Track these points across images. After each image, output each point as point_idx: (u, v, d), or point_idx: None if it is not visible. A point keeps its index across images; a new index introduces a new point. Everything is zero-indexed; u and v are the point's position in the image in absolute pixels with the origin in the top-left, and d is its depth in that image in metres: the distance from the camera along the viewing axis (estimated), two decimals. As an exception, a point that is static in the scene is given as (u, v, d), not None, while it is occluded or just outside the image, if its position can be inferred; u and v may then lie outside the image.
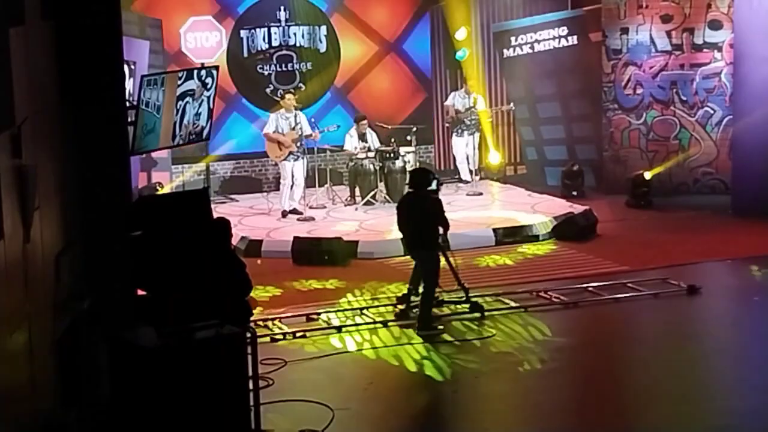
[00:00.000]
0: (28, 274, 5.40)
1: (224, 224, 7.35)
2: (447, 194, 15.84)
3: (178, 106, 10.37)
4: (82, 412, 6.23)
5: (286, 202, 14.49)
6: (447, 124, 16.49)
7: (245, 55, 16.62)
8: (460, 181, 16.55)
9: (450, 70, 17.69)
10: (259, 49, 16.71)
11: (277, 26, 16.75)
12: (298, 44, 16.88)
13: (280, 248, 12.55)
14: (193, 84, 10.52)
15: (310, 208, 14.48)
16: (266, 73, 16.74)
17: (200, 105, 10.74)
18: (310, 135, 14.45)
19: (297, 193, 14.48)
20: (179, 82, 10.37)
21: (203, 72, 10.73)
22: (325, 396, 7.60)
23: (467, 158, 16.31)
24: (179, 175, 16.07)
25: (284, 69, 16.81)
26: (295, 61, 16.87)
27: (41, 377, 5.67)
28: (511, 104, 16.71)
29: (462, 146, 16.28)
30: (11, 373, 5.06)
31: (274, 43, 16.76)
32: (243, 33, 16.58)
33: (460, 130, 16.14)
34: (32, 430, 5.41)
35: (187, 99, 10.63)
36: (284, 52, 16.83)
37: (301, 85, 16.76)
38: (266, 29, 16.69)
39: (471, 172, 16.32)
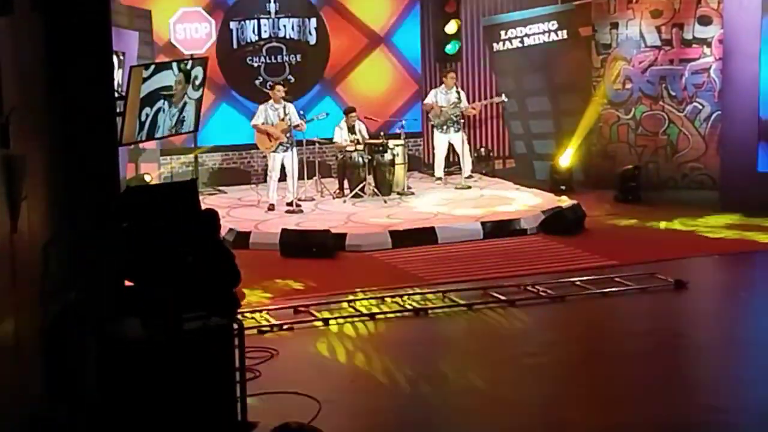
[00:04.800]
0: (15, 265, 5.39)
1: (212, 215, 7.34)
2: (432, 188, 15.93)
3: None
4: (68, 404, 6.22)
5: (273, 195, 14.46)
6: (431, 123, 16.36)
7: (234, 46, 16.60)
8: (433, 176, 16.51)
9: (440, 63, 17.68)
10: (249, 40, 16.68)
11: (267, 18, 16.73)
12: (287, 36, 16.87)
13: (268, 240, 12.55)
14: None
15: (299, 200, 14.47)
16: (256, 65, 16.72)
17: (183, 109, 9.81)
18: (298, 125, 14.43)
19: (291, 184, 14.43)
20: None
21: (189, 63, 10.32)
22: (311, 388, 7.60)
23: (459, 157, 16.22)
24: (167, 167, 16.05)
25: (273, 61, 16.79)
26: (284, 53, 16.85)
27: (28, 369, 5.66)
28: (503, 95, 16.65)
29: (445, 143, 16.20)
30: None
31: (264, 35, 16.74)
32: (232, 25, 16.56)
33: (445, 127, 16.06)
34: (19, 421, 5.41)
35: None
36: (274, 44, 16.81)
37: (290, 77, 16.75)
38: (256, 21, 16.67)
39: (468, 167, 16.28)
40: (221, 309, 6.42)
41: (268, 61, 16.77)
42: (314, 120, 14.76)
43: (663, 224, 13.61)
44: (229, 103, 16.66)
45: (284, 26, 16.83)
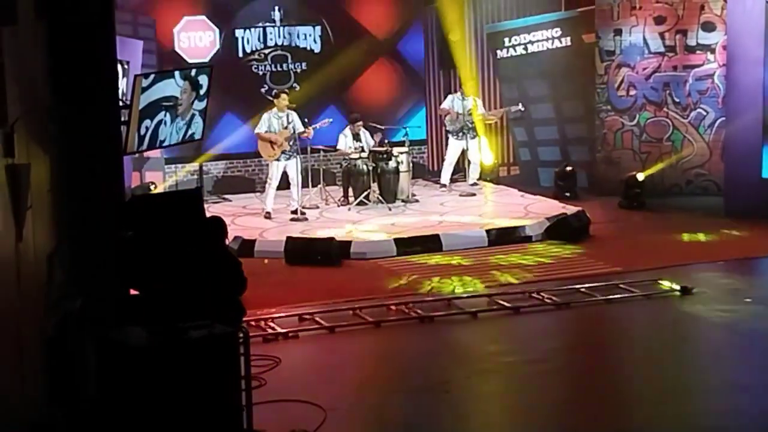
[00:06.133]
0: (20, 273, 5.40)
1: (218, 223, 7.35)
2: (437, 195, 15.93)
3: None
4: (70, 411, 6.22)
5: (270, 203, 14.42)
6: (447, 128, 16.35)
7: (240, 55, 16.62)
8: (438, 183, 16.51)
9: (443, 70, 17.70)
10: (255, 48, 16.70)
11: (273, 26, 16.75)
12: (293, 44, 16.89)
13: (272, 248, 12.55)
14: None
15: (304, 208, 14.47)
16: (261, 73, 16.74)
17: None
18: (304, 132, 14.43)
19: (295, 192, 14.43)
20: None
21: (193, 72, 10.24)
22: (317, 396, 7.59)
23: (469, 163, 16.23)
24: (172, 175, 16.07)
25: (279, 69, 16.82)
26: (289, 61, 16.87)
27: (31, 376, 5.67)
28: (520, 104, 16.64)
29: (458, 150, 16.19)
30: (0, 371, 5.06)
31: (269, 43, 16.76)
32: (238, 33, 16.58)
33: (461, 134, 16.06)
34: (20, 428, 5.41)
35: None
36: (279, 52, 16.84)
37: (295, 85, 16.77)
38: (261, 29, 16.69)
39: (475, 174, 16.30)
40: (227, 317, 6.42)
41: (274, 69, 16.80)
42: (318, 128, 14.74)
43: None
44: (233, 111, 16.68)
45: (289, 34, 16.85)
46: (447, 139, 16.64)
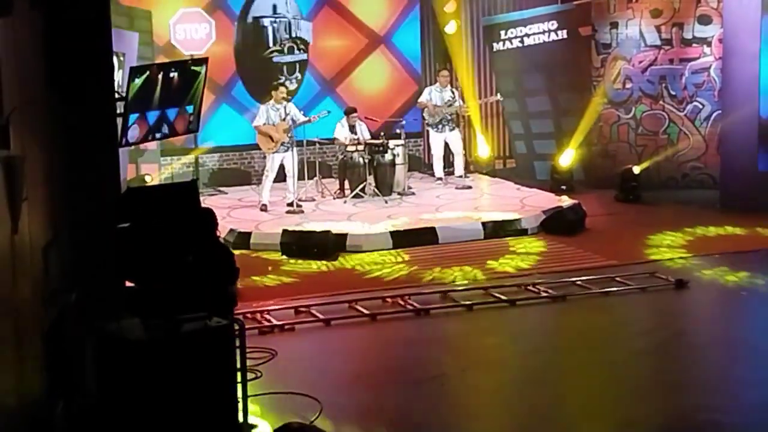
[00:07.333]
0: (16, 266, 5.38)
1: (208, 213, 7.34)
2: (434, 188, 15.92)
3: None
4: (68, 405, 6.22)
5: (266, 195, 14.40)
6: (426, 121, 16.31)
7: (270, 45, 16.70)
8: (434, 176, 16.49)
9: (439, 63, 17.68)
10: (280, 40, 16.73)
11: (289, 19, 16.76)
12: (302, 36, 16.89)
13: (268, 240, 12.54)
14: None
15: (300, 200, 14.46)
16: (279, 64, 16.77)
17: (184, 114, 9.73)
18: (308, 120, 14.44)
19: (291, 184, 14.40)
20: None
21: (189, 64, 10.23)
22: (313, 388, 7.59)
23: (453, 156, 16.23)
24: (168, 167, 16.05)
25: (291, 60, 16.83)
26: (295, 51, 16.88)
27: (28, 369, 5.66)
28: (498, 95, 16.68)
29: (441, 142, 16.16)
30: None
31: (284, 35, 16.78)
32: (266, 22, 16.61)
33: (440, 126, 16.03)
34: (19, 422, 5.40)
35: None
36: (291, 43, 16.85)
37: (298, 75, 16.78)
38: (287, 21, 16.71)
39: (461, 166, 16.29)
40: (218, 306, 6.41)
41: (288, 60, 16.81)
42: (317, 118, 14.72)
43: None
44: (229, 103, 16.66)
45: (298, 26, 16.86)
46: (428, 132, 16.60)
